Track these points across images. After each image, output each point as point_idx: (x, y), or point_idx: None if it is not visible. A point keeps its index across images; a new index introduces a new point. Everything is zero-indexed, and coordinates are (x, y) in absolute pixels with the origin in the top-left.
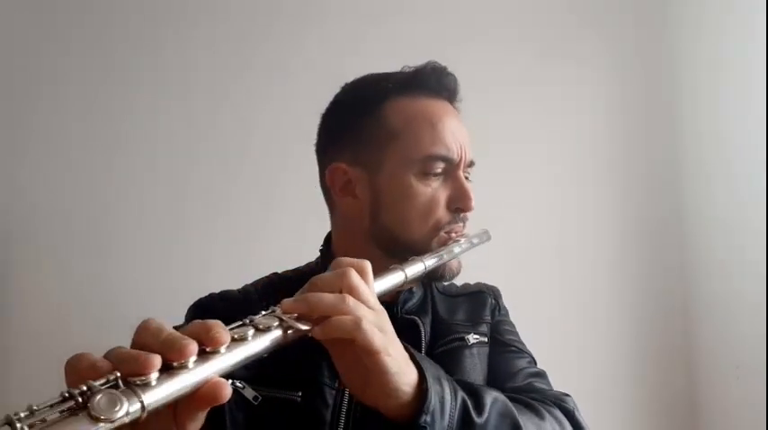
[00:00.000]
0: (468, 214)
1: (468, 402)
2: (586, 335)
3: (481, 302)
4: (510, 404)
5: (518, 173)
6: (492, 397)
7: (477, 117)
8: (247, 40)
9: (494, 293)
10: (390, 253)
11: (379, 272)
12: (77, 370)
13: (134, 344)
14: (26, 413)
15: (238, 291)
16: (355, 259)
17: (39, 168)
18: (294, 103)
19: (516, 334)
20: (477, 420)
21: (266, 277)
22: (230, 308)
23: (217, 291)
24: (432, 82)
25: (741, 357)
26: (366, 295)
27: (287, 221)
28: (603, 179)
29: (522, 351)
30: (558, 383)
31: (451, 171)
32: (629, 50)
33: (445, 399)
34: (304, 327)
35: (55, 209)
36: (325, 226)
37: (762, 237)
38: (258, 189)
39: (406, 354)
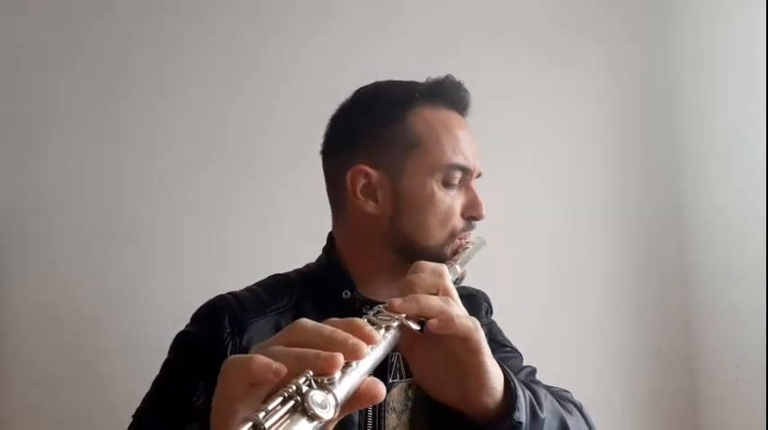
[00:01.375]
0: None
1: (533, 399)
2: (585, 334)
3: (476, 305)
4: (554, 400)
5: (517, 174)
6: (543, 393)
7: (477, 118)
8: (256, 39)
9: (484, 296)
10: (405, 257)
11: (392, 272)
12: (258, 371)
13: (293, 343)
14: (263, 414)
15: (247, 291)
16: (432, 263)
17: (39, 168)
18: (303, 105)
19: (504, 334)
20: (541, 415)
21: (270, 278)
22: (243, 308)
23: (215, 292)
24: (453, 94)
25: (741, 357)
26: (458, 297)
27: (288, 223)
28: (602, 180)
29: (515, 350)
30: (556, 383)
31: (466, 181)
32: (628, 52)
33: (522, 397)
34: (416, 327)
35: (55, 209)
36: (323, 227)
37: (762, 236)
38: (262, 190)
39: None
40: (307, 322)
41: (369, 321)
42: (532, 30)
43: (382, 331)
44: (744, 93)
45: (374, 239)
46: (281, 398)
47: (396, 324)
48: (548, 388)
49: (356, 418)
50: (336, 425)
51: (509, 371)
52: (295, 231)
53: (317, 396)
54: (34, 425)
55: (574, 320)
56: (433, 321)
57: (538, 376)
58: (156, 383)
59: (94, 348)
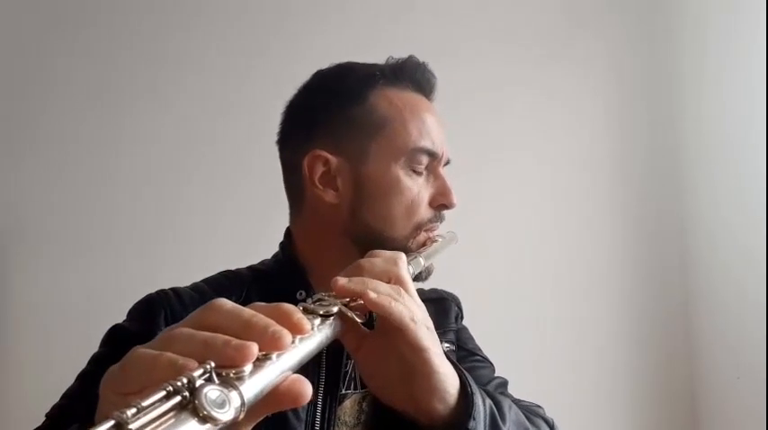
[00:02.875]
0: (446, 212)
1: (495, 409)
2: (586, 336)
3: (446, 309)
4: (519, 412)
5: (516, 173)
6: (507, 404)
7: (476, 117)
8: (254, 38)
9: (455, 300)
10: (365, 249)
11: None
12: (166, 362)
13: (204, 326)
14: (133, 411)
15: (190, 287)
16: (390, 251)
17: (39, 168)
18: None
19: (475, 341)
20: (503, 428)
21: (219, 274)
22: (183, 304)
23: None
24: (417, 76)
25: (741, 359)
26: (413, 290)
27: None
28: (603, 181)
29: (486, 360)
30: (557, 385)
31: (433, 167)
32: (628, 52)
33: (480, 406)
34: (359, 319)
35: (55, 209)
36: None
37: (762, 237)
38: (260, 191)
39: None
40: (225, 303)
41: (304, 309)
42: (533, 29)
43: (317, 321)
44: (744, 92)
45: (334, 231)
46: (163, 393)
47: (335, 309)
48: (518, 402)
49: None
50: None
51: (466, 375)
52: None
53: (212, 393)
54: (35, 425)
55: (574, 321)
56: (370, 298)
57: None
58: (82, 377)
59: (96, 348)
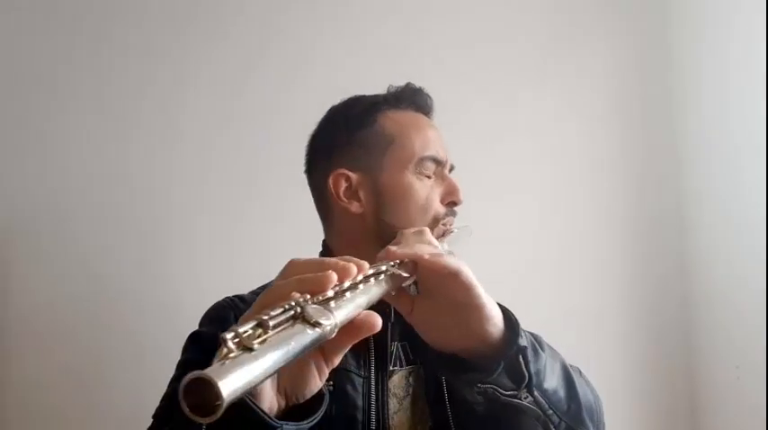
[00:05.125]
0: (458, 208)
1: (533, 337)
2: (584, 334)
3: None
4: (552, 347)
5: (516, 172)
6: (540, 337)
7: (477, 116)
8: (266, 40)
9: None
10: None
11: None
12: (276, 295)
13: (291, 275)
14: (267, 316)
15: (252, 294)
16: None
17: (40, 168)
18: (312, 105)
19: None
20: (543, 354)
21: (272, 281)
22: (249, 306)
23: (221, 294)
24: (415, 98)
25: (741, 357)
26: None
27: (297, 224)
28: (601, 178)
29: None
30: None
31: (440, 172)
32: (628, 49)
33: (523, 332)
34: (406, 274)
35: (56, 209)
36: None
37: (762, 236)
38: (271, 191)
39: None
40: (299, 259)
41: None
42: (534, 28)
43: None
44: (744, 92)
45: (363, 238)
46: (281, 309)
47: (384, 268)
48: None
49: (359, 402)
50: (339, 409)
51: (504, 306)
52: (305, 233)
53: (315, 308)
54: (35, 426)
55: (573, 319)
56: (424, 257)
57: None
58: (172, 383)
59: (97, 349)
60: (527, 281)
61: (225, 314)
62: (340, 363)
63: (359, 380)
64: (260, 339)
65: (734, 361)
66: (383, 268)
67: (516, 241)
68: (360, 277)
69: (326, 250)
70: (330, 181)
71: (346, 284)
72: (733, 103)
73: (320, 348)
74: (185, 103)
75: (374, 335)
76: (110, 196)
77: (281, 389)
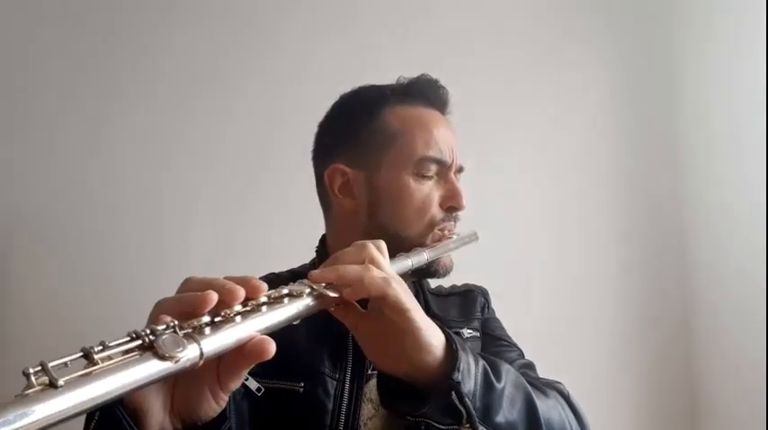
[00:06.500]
0: (461, 213)
1: (488, 368)
2: (585, 334)
3: (472, 300)
4: (520, 376)
5: (516, 171)
6: (505, 367)
7: (477, 115)
8: (266, 40)
9: (482, 292)
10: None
11: None
12: (152, 314)
13: (180, 292)
14: (99, 347)
15: None
16: (372, 240)
17: (40, 168)
18: (312, 105)
19: (504, 330)
20: (497, 385)
21: (264, 277)
22: None
23: None
24: (427, 92)
25: (741, 357)
26: (386, 266)
27: (299, 223)
28: (603, 180)
29: (512, 345)
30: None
31: (444, 173)
32: (630, 48)
33: (470, 362)
34: (333, 294)
35: (56, 208)
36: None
37: (762, 236)
38: (265, 190)
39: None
40: (195, 276)
41: (288, 289)
42: (534, 28)
43: (286, 298)
44: (744, 91)
45: (356, 234)
46: (127, 338)
47: (307, 291)
48: (537, 379)
49: (329, 405)
50: (307, 412)
51: (451, 334)
52: (307, 231)
53: (169, 338)
54: None
55: (574, 320)
56: (347, 290)
57: (539, 372)
58: None
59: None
60: (528, 283)
61: None
62: (314, 365)
63: (332, 383)
64: (80, 373)
65: (734, 361)
66: (305, 290)
67: (515, 242)
68: (262, 299)
69: (322, 246)
70: (326, 174)
71: (238, 308)
72: (733, 103)
73: (215, 371)
74: (187, 105)
75: (352, 338)
76: (115, 196)
77: (174, 411)
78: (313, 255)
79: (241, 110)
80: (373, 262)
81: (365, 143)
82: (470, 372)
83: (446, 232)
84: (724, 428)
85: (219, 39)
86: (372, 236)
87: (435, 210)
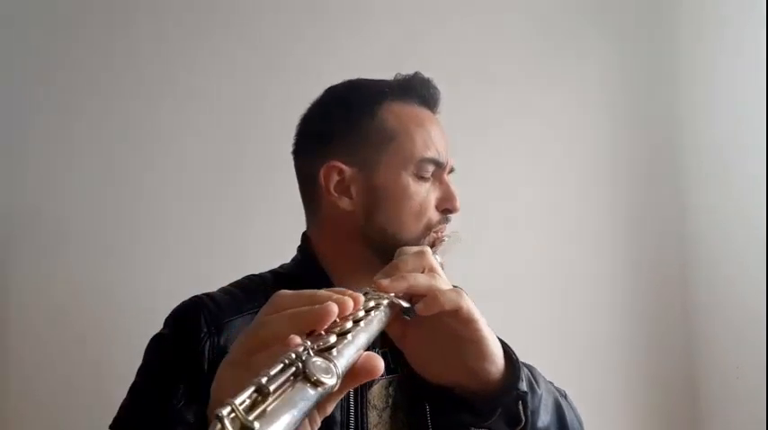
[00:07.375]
0: (452, 215)
1: (530, 374)
2: (585, 335)
3: None
4: (547, 380)
5: (515, 172)
6: (537, 371)
7: (477, 114)
8: (245, 42)
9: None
10: (380, 252)
11: (368, 270)
12: (268, 333)
13: (278, 309)
14: (266, 379)
15: (221, 292)
16: (414, 247)
17: (39, 168)
18: (291, 105)
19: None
20: (539, 391)
21: (245, 278)
22: (220, 308)
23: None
24: (422, 91)
25: (741, 357)
26: (443, 274)
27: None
28: (603, 181)
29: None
30: (557, 383)
31: (439, 175)
32: (630, 48)
33: (523, 369)
34: (406, 304)
35: (56, 209)
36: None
37: (762, 236)
38: (262, 191)
39: None
40: (286, 291)
41: (372, 299)
42: (534, 28)
43: (373, 309)
44: (744, 92)
45: (350, 236)
46: (281, 365)
47: (385, 301)
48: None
49: (338, 416)
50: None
51: (505, 342)
52: (291, 232)
53: (318, 362)
54: (36, 426)
55: (573, 320)
56: (419, 305)
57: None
58: (133, 389)
59: (98, 349)
60: (528, 283)
61: (193, 315)
62: None
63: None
64: (259, 410)
65: (734, 361)
66: (384, 301)
67: (515, 244)
68: (361, 312)
69: (307, 244)
70: (321, 172)
71: (348, 324)
72: (733, 103)
73: None
74: (178, 108)
75: None
76: (114, 196)
77: None
78: (292, 254)
79: (215, 108)
80: (433, 270)
81: (362, 140)
82: (523, 378)
83: (440, 235)
84: (724, 428)
85: (204, 42)
86: (368, 238)
87: (432, 213)
